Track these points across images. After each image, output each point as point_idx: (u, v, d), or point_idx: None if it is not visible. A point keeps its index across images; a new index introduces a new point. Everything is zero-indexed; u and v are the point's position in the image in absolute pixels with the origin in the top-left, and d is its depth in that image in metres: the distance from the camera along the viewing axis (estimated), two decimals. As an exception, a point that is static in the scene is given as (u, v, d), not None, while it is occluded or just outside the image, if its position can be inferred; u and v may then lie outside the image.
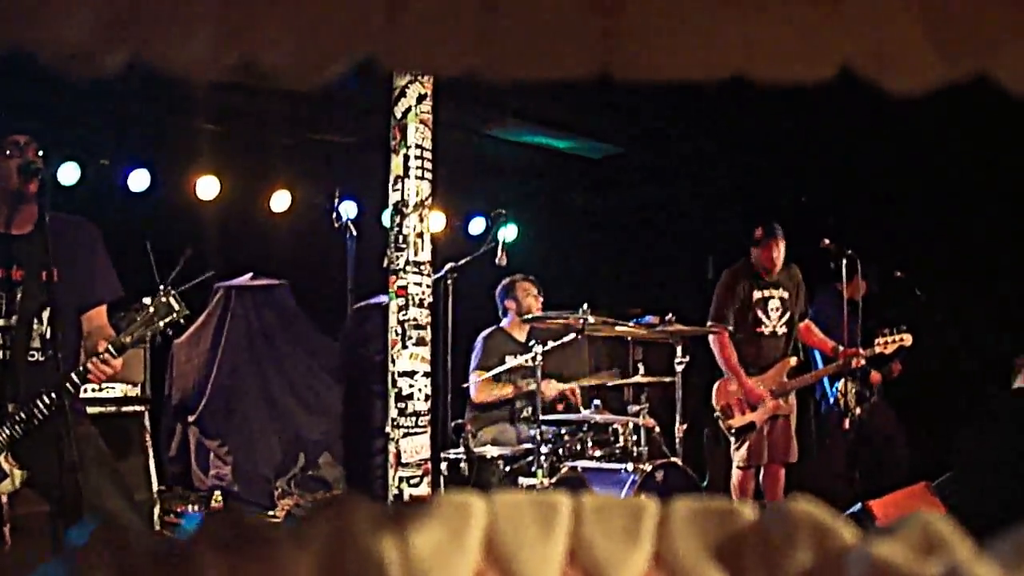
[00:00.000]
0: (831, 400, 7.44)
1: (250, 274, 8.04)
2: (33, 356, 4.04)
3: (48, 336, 4.05)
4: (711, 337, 6.86)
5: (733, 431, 6.82)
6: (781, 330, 6.91)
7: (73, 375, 3.91)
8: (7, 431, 3.91)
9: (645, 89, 6.72)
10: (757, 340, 6.88)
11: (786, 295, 6.94)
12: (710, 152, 8.59)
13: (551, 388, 6.71)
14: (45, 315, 4.05)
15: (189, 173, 8.10)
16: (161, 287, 3.96)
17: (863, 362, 6.89)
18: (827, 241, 6.73)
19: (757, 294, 6.87)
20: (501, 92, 7.18)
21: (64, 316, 4.03)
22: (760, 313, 6.87)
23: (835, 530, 0.94)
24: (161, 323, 3.98)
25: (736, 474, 6.89)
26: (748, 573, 0.95)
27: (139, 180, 7.85)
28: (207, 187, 8.14)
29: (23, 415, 3.91)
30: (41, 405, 3.89)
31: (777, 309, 6.89)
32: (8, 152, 4.02)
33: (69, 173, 7.33)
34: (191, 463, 7.67)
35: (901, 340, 6.88)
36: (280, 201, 8.59)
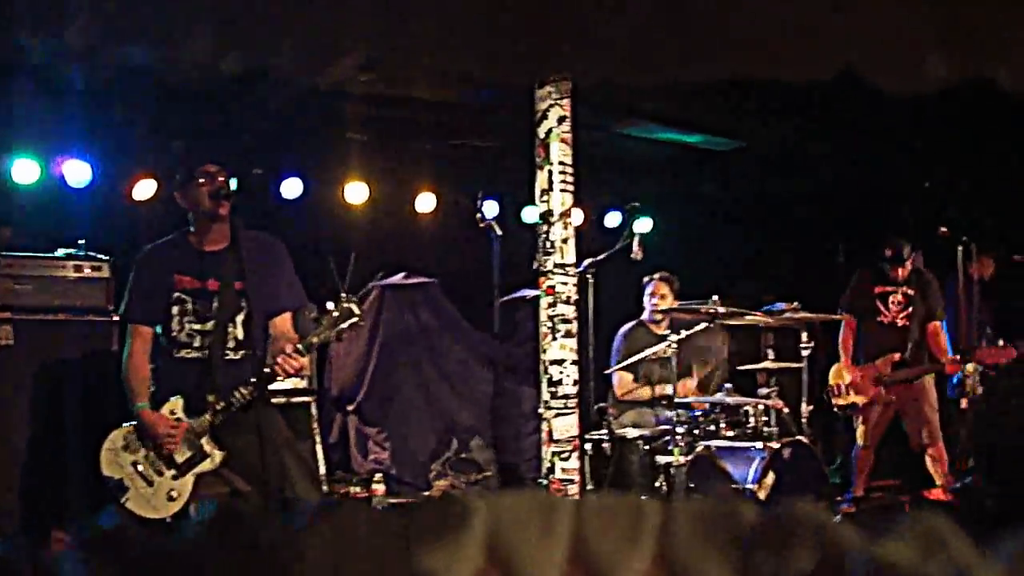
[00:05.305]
0: (955, 380, 7.63)
1: (403, 273, 8.39)
2: (228, 355, 4.59)
3: (242, 338, 4.60)
4: (842, 323, 7.43)
5: (836, 408, 7.40)
6: (901, 323, 7.33)
7: (266, 370, 4.42)
8: (209, 418, 4.47)
9: (763, 86, 6.96)
10: (875, 329, 7.37)
11: (912, 292, 7.33)
12: (828, 143, 8.72)
13: (686, 389, 7.06)
14: (239, 319, 4.60)
15: (339, 180, 8.48)
16: (343, 294, 4.39)
17: (969, 368, 7.14)
18: (944, 229, 7.07)
19: (879, 288, 7.38)
20: (636, 96, 7.47)
21: (255, 321, 4.55)
22: (879, 304, 7.36)
23: (837, 531, 0.94)
24: (345, 324, 4.40)
25: (857, 451, 7.42)
26: (750, 574, 0.95)
27: (292, 188, 8.25)
28: (356, 192, 8.51)
29: (223, 405, 4.45)
30: (238, 396, 4.43)
31: (899, 303, 7.35)
32: (201, 181, 4.56)
33: (225, 183, 7.79)
34: (350, 449, 8.12)
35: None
36: (425, 203, 8.93)
